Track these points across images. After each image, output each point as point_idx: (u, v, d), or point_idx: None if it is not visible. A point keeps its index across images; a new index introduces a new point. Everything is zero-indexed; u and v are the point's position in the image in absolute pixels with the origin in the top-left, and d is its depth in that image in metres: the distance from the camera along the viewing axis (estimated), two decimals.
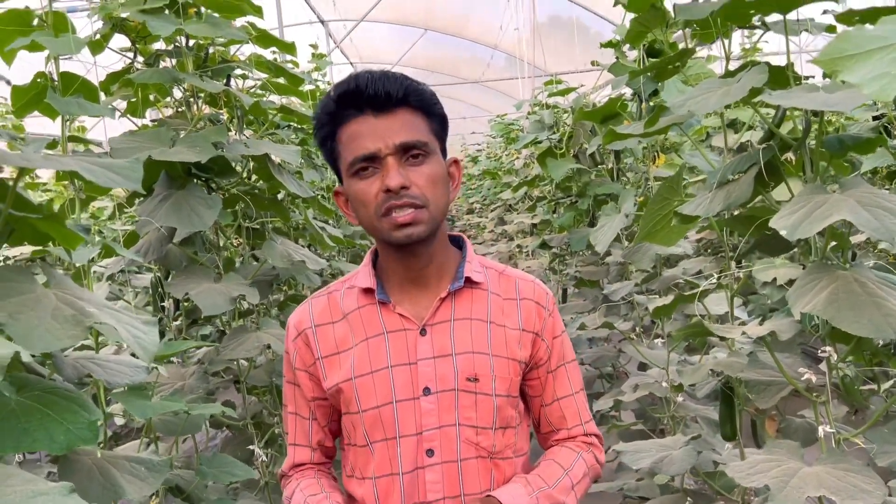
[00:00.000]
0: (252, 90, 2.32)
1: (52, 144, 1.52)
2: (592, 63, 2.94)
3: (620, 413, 3.14)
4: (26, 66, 1.61)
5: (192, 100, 2.00)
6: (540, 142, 3.53)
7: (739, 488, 1.93)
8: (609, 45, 2.49)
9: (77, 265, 1.44)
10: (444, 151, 1.20)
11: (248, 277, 1.98)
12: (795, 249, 1.51)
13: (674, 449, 1.83)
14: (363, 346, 1.18)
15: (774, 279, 2.08)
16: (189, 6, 1.82)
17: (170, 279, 1.98)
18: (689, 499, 2.13)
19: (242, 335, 1.98)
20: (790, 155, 1.33)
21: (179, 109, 2.05)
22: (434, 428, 1.15)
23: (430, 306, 1.19)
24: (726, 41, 1.41)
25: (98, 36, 1.83)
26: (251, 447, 2.05)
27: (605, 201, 3.07)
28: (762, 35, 1.42)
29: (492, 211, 7.62)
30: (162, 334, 2.00)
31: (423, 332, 1.17)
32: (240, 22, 2.00)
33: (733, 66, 1.38)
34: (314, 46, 4.28)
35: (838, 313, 1.02)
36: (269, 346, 1.96)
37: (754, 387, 1.38)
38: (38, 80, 1.51)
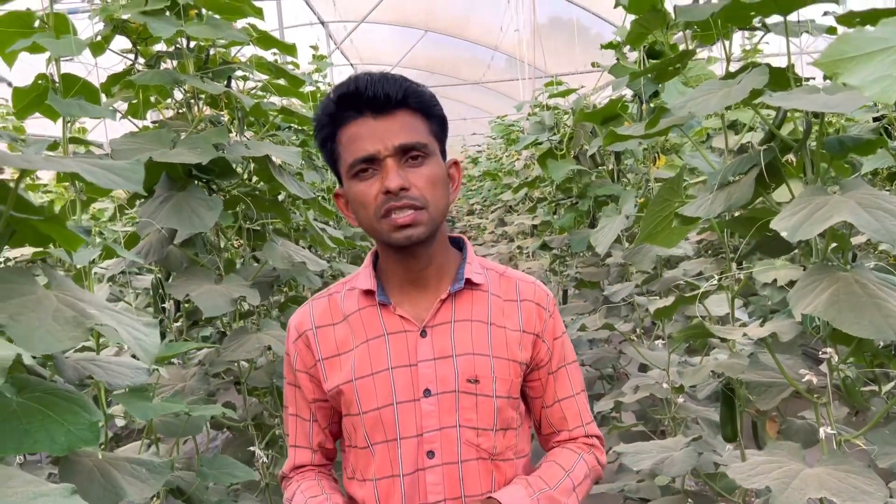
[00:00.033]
0: (253, 91, 2.32)
1: (53, 146, 1.52)
2: (593, 64, 2.94)
3: (621, 414, 3.13)
4: (27, 67, 1.61)
5: (192, 101, 2.00)
6: (540, 143, 3.53)
7: (740, 490, 1.93)
8: (609, 46, 2.49)
9: (78, 267, 1.44)
10: (443, 153, 1.20)
11: (248, 279, 1.98)
12: (796, 251, 1.51)
13: (675, 450, 1.83)
14: (364, 347, 1.18)
15: (775, 280, 2.08)
16: (190, 8, 1.82)
17: (170, 280, 1.98)
18: (689, 500, 2.13)
19: (243, 336, 1.98)
20: (791, 156, 1.33)
21: (180, 111, 2.05)
22: (434, 429, 1.15)
23: (430, 308, 1.19)
24: (727, 43, 1.41)
25: (99, 37, 1.83)
26: (252, 448, 2.05)
27: (606, 202, 3.07)
28: (763, 36, 1.42)
29: (492, 212, 7.62)
30: (162, 335, 2.00)
31: (423, 333, 1.17)
32: (241, 23, 2.00)
33: (734, 67, 1.38)
34: (315, 48, 4.28)
35: (839, 315, 1.02)
36: (269, 348, 1.96)
37: (755, 388, 1.38)
38: (40, 81, 1.51)
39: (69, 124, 1.50)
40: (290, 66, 2.43)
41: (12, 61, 1.49)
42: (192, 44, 1.96)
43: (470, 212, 11.30)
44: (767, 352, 1.35)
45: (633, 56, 2.40)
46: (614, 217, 2.37)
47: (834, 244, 1.22)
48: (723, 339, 1.46)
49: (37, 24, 1.46)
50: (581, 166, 3.19)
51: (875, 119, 2.18)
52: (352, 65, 14.03)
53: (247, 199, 2.02)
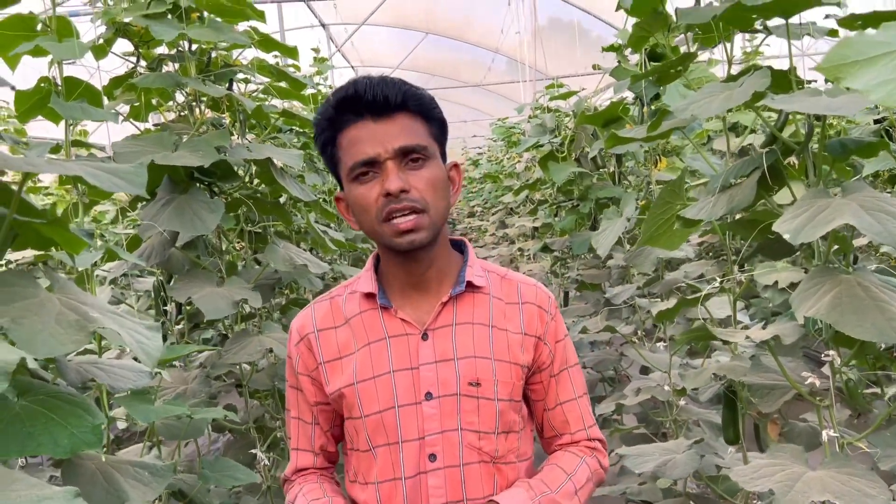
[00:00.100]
0: (254, 94, 2.32)
1: (56, 149, 1.52)
2: (594, 67, 2.94)
3: (622, 417, 3.13)
4: (29, 70, 1.61)
5: (194, 104, 2.00)
6: (541, 145, 3.53)
7: (742, 492, 1.93)
8: (611, 49, 2.49)
9: (80, 269, 1.44)
10: (443, 155, 1.20)
11: (250, 281, 1.98)
12: (798, 253, 1.51)
13: (677, 453, 1.83)
14: (365, 350, 1.18)
15: (776, 282, 2.08)
16: (192, 11, 1.82)
17: (172, 283, 1.98)
18: (691, 503, 2.12)
19: (245, 339, 1.98)
20: (793, 159, 1.33)
21: (182, 114, 2.05)
22: (436, 433, 1.15)
23: (431, 311, 1.19)
24: (728, 45, 1.42)
25: (101, 40, 1.83)
26: (253, 451, 2.05)
27: (607, 205, 3.06)
28: (764, 39, 1.43)
29: (493, 214, 7.62)
30: (164, 338, 2.00)
31: (424, 336, 1.17)
32: (242, 26, 2.01)
33: (735, 69, 1.38)
34: (316, 50, 4.29)
35: (842, 317, 1.02)
36: (271, 350, 1.96)
37: (757, 391, 1.37)
38: (42, 84, 1.51)
39: (71, 127, 1.50)
40: (292, 69, 2.43)
41: (15, 64, 1.50)
42: (194, 47, 1.96)
43: (471, 214, 11.30)
44: (769, 354, 1.35)
45: (634, 58, 2.40)
46: (615, 219, 2.37)
47: (836, 247, 1.22)
48: (725, 342, 1.46)
49: (39, 27, 1.46)
50: (582, 169, 3.19)
51: (876, 121, 2.18)
52: (352, 67, 14.04)
53: (248, 202, 2.02)
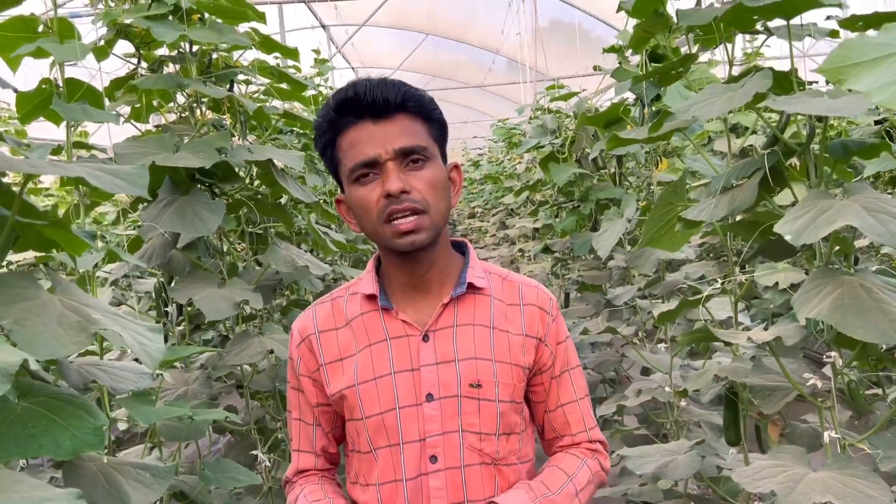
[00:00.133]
0: (255, 95, 2.32)
1: (57, 150, 1.52)
2: (595, 68, 2.94)
3: (623, 418, 3.13)
4: (30, 72, 1.61)
5: (195, 105, 2.00)
6: (542, 146, 3.53)
7: (744, 493, 1.93)
8: (612, 50, 2.49)
9: (81, 271, 1.44)
10: (444, 156, 1.20)
11: (251, 282, 1.98)
12: (799, 254, 1.51)
13: (678, 454, 1.83)
14: (366, 352, 1.18)
15: (776, 283, 2.08)
16: (193, 12, 1.82)
17: (173, 284, 1.98)
18: None
19: (246, 340, 1.98)
20: (794, 160, 1.33)
21: (183, 115, 2.05)
22: (437, 434, 1.14)
23: (432, 312, 1.19)
24: (729, 46, 1.42)
25: (102, 42, 1.83)
26: (254, 452, 2.05)
27: (608, 206, 3.06)
28: (765, 40, 1.43)
29: (493, 215, 7.62)
30: (165, 339, 2.00)
31: (425, 338, 1.17)
32: (243, 27, 2.01)
33: (736, 71, 1.38)
34: (317, 52, 4.29)
35: (844, 319, 1.02)
36: (272, 351, 1.96)
37: (759, 392, 1.37)
38: (44, 86, 1.51)
39: (72, 128, 1.50)
40: (292, 70, 2.43)
41: (17, 66, 1.50)
42: (195, 48, 1.96)
43: (471, 215, 11.30)
44: (770, 355, 1.35)
45: (635, 60, 2.40)
46: (616, 220, 2.37)
47: (837, 248, 1.22)
48: (726, 343, 1.46)
49: (41, 28, 1.46)
50: (583, 170, 3.19)
51: (877, 122, 2.18)
52: (353, 68, 14.05)
53: (249, 203, 2.02)
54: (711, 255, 3.65)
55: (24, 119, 1.55)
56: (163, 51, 1.98)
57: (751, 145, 1.49)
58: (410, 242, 1.12)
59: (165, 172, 1.82)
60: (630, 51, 2.34)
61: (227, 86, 2.06)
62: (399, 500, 1.15)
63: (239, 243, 2.29)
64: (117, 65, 1.96)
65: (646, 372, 2.87)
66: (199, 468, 1.74)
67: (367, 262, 1.28)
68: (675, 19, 1.59)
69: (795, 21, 1.25)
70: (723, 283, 1.59)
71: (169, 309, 2.14)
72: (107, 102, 1.79)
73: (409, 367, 1.16)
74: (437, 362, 1.16)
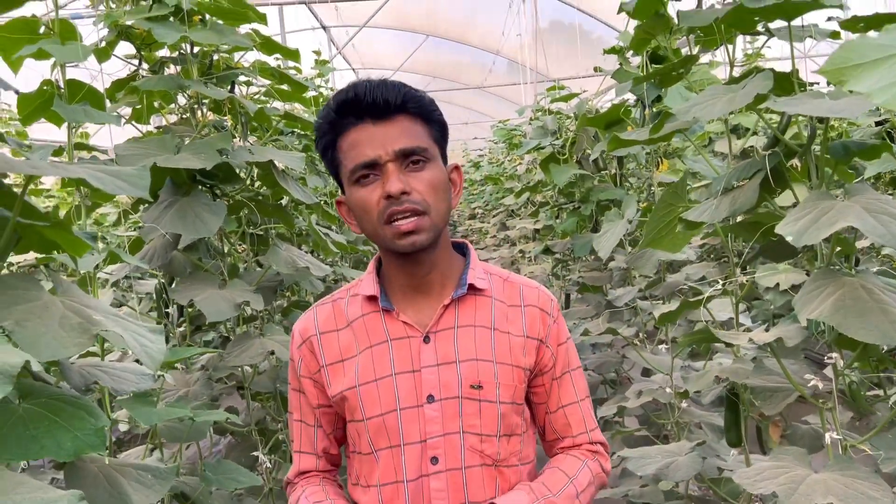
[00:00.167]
0: (256, 97, 2.32)
1: (58, 151, 1.52)
2: (595, 69, 2.94)
3: (624, 419, 3.13)
4: (32, 73, 1.61)
5: (196, 107, 2.00)
6: (543, 147, 3.53)
7: (745, 495, 1.93)
8: (612, 51, 2.49)
9: (82, 272, 1.45)
10: (444, 158, 1.20)
11: (252, 284, 1.98)
12: (800, 255, 1.51)
13: (679, 455, 1.83)
14: (367, 353, 1.18)
15: (777, 284, 2.08)
16: (194, 14, 1.82)
17: (174, 285, 1.98)
18: None
19: (246, 341, 1.98)
20: (795, 161, 1.33)
21: (184, 116, 2.05)
22: (438, 435, 1.14)
23: (433, 313, 1.19)
24: (730, 47, 1.42)
25: (104, 43, 1.83)
26: (255, 454, 2.05)
27: (608, 207, 3.06)
28: (766, 41, 1.43)
29: (494, 216, 7.62)
30: (166, 340, 2.00)
31: (426, 339, 1.17)
32: (244, 29, 2.01)
33: (737, 72, 1.38)
34: (317, 53, 4.29)
35: (845, 320, 1.02)
36: (272, 353, 1.96)
37: (760, 393, 1.37)
38: (45, 87, 1.51)
39: (74, 130, 1.50)
40: (293, 72, 2.43)
41: (18, 67, 1.50)
42: (196, 49, 1.96)
43: (472, 216, 11.30)
44: (771, 356, 1.34)
45: (636, 61, 2.40)
46: (617, 221, 2.37)
47: (838, 249, 1.22)
48: (727, 344, 1.46)
49: (42, 30, 1.46)
50: (583, 171, 3.19)
51: (877, 123, 2.18)
52: (354, 70, 14.06)
53: (250, 204, 2.02)
54: (712, 256, 3.64)
55: (26, 120, 1.55)
56: (164, 52, 1.98)
57: (752, 146, 1.49)
58: (411, 243, 1.12)
59: (166, 174, 1.82)
60: (631, 52, 2.34)
61: (228, 87, 2.06)
62: (400, 501, 1.15)
63: (240, 244, 2.29)
64: (118, 66, 1.97)
65: (646, 373, 2.87)
66: (201, 469, 1.74)
67: (368, 264, 1.28)
68: (675, 20, 1.59)
69: (796, 22, 1.25)
70: (724, 285, 1.59)
71: (170, 310, 2.14)
72: (108, 104, 1.79)
73: (410, 369, 1.16)
74: (437, 363, 1.16)
